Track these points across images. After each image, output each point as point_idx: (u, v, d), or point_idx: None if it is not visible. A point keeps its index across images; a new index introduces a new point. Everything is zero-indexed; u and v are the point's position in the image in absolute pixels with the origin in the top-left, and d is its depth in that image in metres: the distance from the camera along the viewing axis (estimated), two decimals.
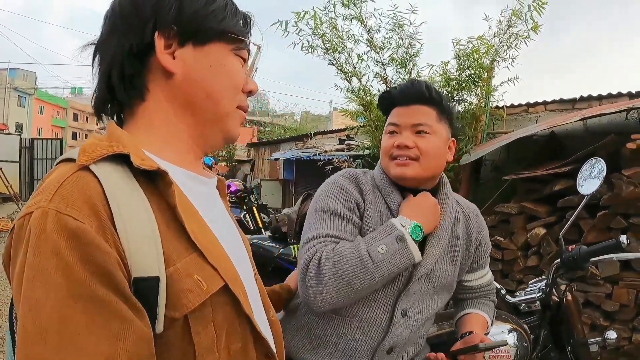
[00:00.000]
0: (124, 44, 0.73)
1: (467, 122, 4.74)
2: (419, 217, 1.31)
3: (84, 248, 0.56)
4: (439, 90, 1.46)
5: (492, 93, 4.80)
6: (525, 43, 4.57)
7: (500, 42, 4.61)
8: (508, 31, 4.57)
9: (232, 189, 8.37)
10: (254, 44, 0.85)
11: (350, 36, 4.74)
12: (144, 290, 0.60)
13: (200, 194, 0.77)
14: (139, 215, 0.62)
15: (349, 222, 1.36)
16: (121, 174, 0.64)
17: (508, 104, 5.11)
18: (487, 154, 4.59)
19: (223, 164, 20.70)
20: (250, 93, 0.85)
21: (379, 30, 4.69)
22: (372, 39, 4.71)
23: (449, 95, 4.74)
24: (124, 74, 0.73)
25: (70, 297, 0.54)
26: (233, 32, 0.78)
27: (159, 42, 0.73)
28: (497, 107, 5.05)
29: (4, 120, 22.31)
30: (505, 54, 4.64)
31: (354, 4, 4.48)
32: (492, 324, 1.60)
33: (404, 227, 1.28)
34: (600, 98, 4.56)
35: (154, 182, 0.67)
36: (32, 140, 17.33)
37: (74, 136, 48.72)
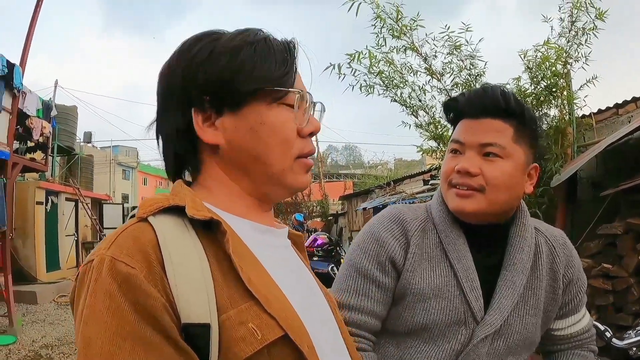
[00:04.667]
0: (172, 123, 0.77)
1: (553, 138, 4.28)
2: None
3: (134, 292, 0.59)
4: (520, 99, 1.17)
5: (574, 101, 4.31)
6: (595, 35, 4.07)
7: (568, 42, 4.16)
8: (573, 27, 4.11)
9: (319, 242, 8.38)
10: (295, 92, 0.77)
11: (408, 68, 4.54)
12: (195, 336, 0.61)
13: (266, 244, 0.78)
14: (190, 263, 0.64)
15: (374, 284, 1.16)
16: (178, 225, 0.68)
17: (595, 110, 4.56)
18: (581, 170, 4.10)
19: (318, 219, 20.97)
20: (311, 134, 0.80)
21: (435, 57, 4.45)
22: (430, 66, 4.47)
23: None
24: (177, 152, 0.78)
25: (119, 335, 0.57)
26: (264, 85, 0.74)
27: (196, 118, 0.75)
28: (583, 116, 4.53)
29: (111, 193, 24.54)
30: (576, 53, 4.16)
31: (404, 33, 4.29)
32: None
33: None
34: None
35: (212, 232, 0.69)
36: (134, 208, 18.83)
37: None
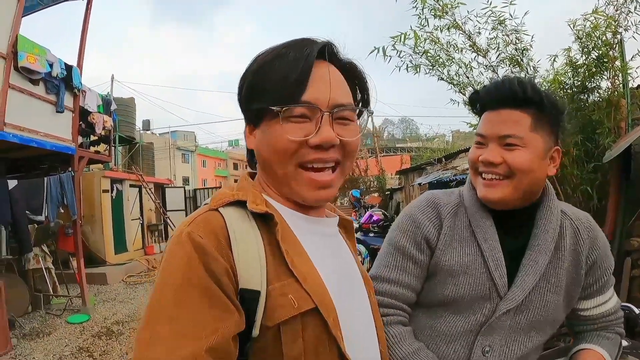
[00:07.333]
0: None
1: (605, 111, 4.08)
2: None
3: (205, 255, 0.75)
4: (541, 86, 1.24)
5: (627, 71, 4.07)
6: None
7: (617, 11, 3.91)
8: None
9: (374, 218, 8.43)
10: (300, 106, 0.85)
11: (453, 46, 4.45)
12: (248, 299, 0.77)
13: (313, 232, 0.92)
14: (250, 244, 0.80)
15: (411, 260, 1.26)
16: (241, 214, 0.84)
17: None
18: (636, 145, 3.90)
19: (375, 194, 20.93)
20: (318, 147, 0.86)
21: (479, 33, 4.32)
22: (474, 43, 4.36)
23: (581, 85, 4.16)
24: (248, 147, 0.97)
25: (189, 284, 0.73)
26: (268, 105, 0.85)
27: (246, 128, 0.94)
28: (638, 86, 4.27)
29: (172, 176, 25.49)
30: (626, 22, 3.91)
31: (446, 12, 4.20)
32: None
33: None
34: None
35: (266, 221, 0.84)
36: (194, 190, 19.53)
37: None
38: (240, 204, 0.85)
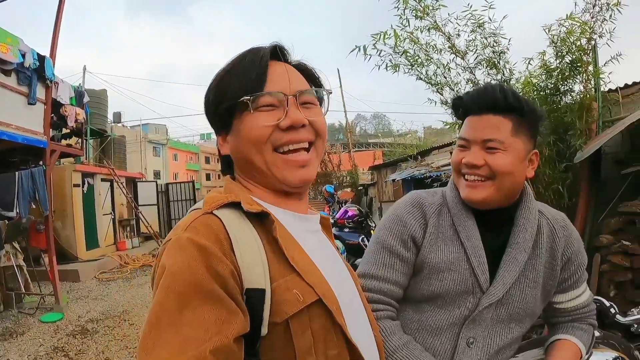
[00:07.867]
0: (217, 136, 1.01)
1: (577, 114, 4.24)
2: None
3: (208, 258, 0.74)
4: (521, 94, 1.31)
5: (600, 76, 4.24)
6: (619, 10, 3.98)
7: (592, 18, 4.07)
8: (597, 3, 4.01)
9: (350, 214, 8.48)
10: (265, 94, 0.91)
11: (433, 47, 4.54)
12: (253, 298, 0.78)
13: (302, 229, 0.95)
14: (250, 244, 0.81)
15: (398, 257, 1.32)
16: (237, 216, 0.85)
17: (621, 85, 4.47)
18: (607, 146, 4.06)
19: (348, 189, 21.03)
20: (290, 127, 0.91)
21: (459, 35, 4.42)
22: (453, 45, 4.46)
23: (554, 88, 4.30)
24: (222, 154, 1.01)
25: (193, 287, 0.72)
26: (234, 101, 0.90)
27: (218, 137, 0.99)
28: (609, 90, 4.46)
29: (143, 170, 25.01)
30: (601, 29, 4.07)
31: (427, 13, 4.28)
32: (588, 352, 1.39)
33: None
34: None
35: (261, 220, 0.86)
36: (167, 185, 19.19)
37: (208, 177, 52.41)
38: (233, 205, 0.86)
